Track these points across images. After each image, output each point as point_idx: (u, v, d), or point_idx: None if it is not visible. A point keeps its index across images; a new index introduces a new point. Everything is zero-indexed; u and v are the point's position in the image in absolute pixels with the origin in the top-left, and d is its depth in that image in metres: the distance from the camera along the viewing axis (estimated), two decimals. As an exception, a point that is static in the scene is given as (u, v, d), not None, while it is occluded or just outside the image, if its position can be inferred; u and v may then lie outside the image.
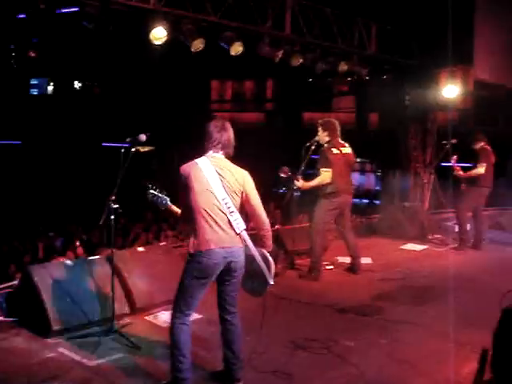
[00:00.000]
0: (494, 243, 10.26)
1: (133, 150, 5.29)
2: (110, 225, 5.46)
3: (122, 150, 5.29)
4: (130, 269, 6.30)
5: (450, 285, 6.98)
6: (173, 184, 4.37)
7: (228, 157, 4.43)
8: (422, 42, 11.90)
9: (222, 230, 4.22)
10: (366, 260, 8.45)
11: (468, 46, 10.80)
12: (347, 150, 7.73)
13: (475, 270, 8.38)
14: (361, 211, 14.28)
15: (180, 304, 4.28)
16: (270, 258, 4.39)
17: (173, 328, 4.28)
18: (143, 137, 5.31)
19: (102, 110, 25.20)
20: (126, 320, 5.93)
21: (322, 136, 7.63)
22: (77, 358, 5.01)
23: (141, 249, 7.09)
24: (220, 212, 4.22)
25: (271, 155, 19.57)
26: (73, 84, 28.58)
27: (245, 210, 4.42)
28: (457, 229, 9.93)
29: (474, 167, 9.34)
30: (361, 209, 17.13)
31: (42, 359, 4.97)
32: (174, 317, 4.30)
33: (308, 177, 7.69)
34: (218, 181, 4.24)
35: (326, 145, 7.59)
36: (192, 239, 4.22)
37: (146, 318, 6.07)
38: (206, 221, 4.19)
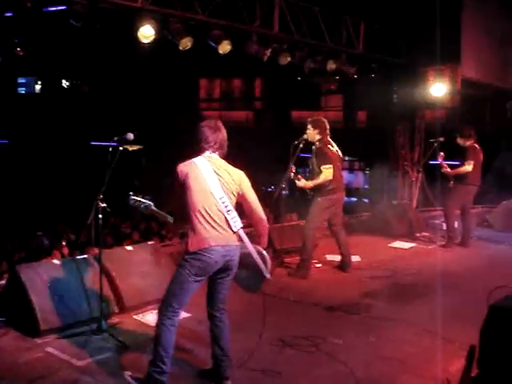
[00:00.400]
0: (481, 241, 10.34)
1: (120, 148, 5.27)
2: (97, 224, 5.45)
3: (110, 149, 5.28)
4: (118, 268, 6.27)
5: (437, 282, 7.02)
6: (162, 182, 4.36)
7: (222, 155, 4.45)
8: (410, 40, 11.94)
9: (220, 228, 4.24)
10: (354, 258, 8.46)
11: (455, 44, 10.82)
12: (336, 148, 7.76)
13: (463, 267, 8.43)
14: (349, 209, 14.32)
15: (171, 301, 4.25)
16: (266, 254, 4.46)
17: (161, 326, 4.25)
18: (131, 136, 5.29)
19: (90, 109, 25.12)
20: (115, 319, 5.91)
21: (313, 134, 7.61)
22: (65, 357, 4.99)
23: (129, 248, 7.06)
24: (218, 211, 4.23)
25: (260, 154, 19.59)
26: (61, 83, 28.47)
27: (242, 208, 4.45)
28: (444, 226, 9.98)
29: (462, 165, 9.37)
30: (349, 207, 17.16)
31: (29, 359, 4.94)
32: (163, 314, 4.27)
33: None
34: (216, 180, 4.26)
35: (317, 143, 7.58)
36: (190, 238, 4.22)
37: (135, 316, 6.05)
38: (205, 219, 4.20)
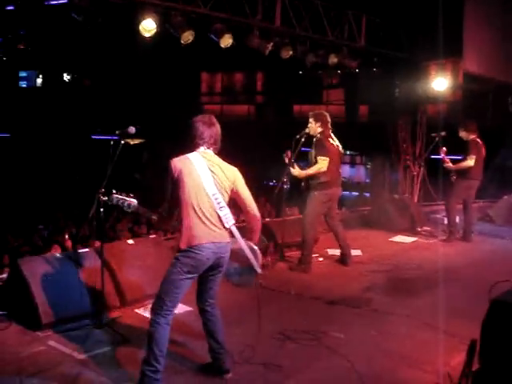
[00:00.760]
0: (482, 235, 10.34)
1: (122, 142, 5.27)
2: (99, 217, 5.45)
3: (112, 143, 5.28)
4: (119, 261, 6.27)
5: (439, 276, 7.04)
6: (164, 176, 4.35)
7: (216, 151, 4.42)
8: (412, 34, 11.89)
9: (213, 225, 4.22)
10: (355, 252, 8.48)
11: (457, 38, 10.80)
12: (337, 142, 7.76)
13: (464, 261, 8.43)
14: (350, 204, 14.33)
15: (165, 300, 4.19)
16: (257, 249, 4.46)
17: (155, 324, 4.18)
18: (132, 129, 5.29)
19: (91, 103, 25.10)
20: (116, 313, 5.92)
21: (315, 127, 7.62)
22: (67, 351, 5.00)
23: (130, 241, 7.06)
24: (210, 208, 4.21)
25: (261, 147, 19.60)
26: (62, 76, 28.45)
27: (236, 205, 4.45)
28: (446, 221, 9.98)
29: (464, 159, 9.36)
30: (350, 201, 17.18)
31: (31, 352, 4.96)
32: (156, 313, 4.20)
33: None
34: (210, 177, 4.23)
35: (318, 135, 7.59)
36: (182, 234, 4.19)
37: (136, 310, 6.05)
38: (197, 216, 4.17)
